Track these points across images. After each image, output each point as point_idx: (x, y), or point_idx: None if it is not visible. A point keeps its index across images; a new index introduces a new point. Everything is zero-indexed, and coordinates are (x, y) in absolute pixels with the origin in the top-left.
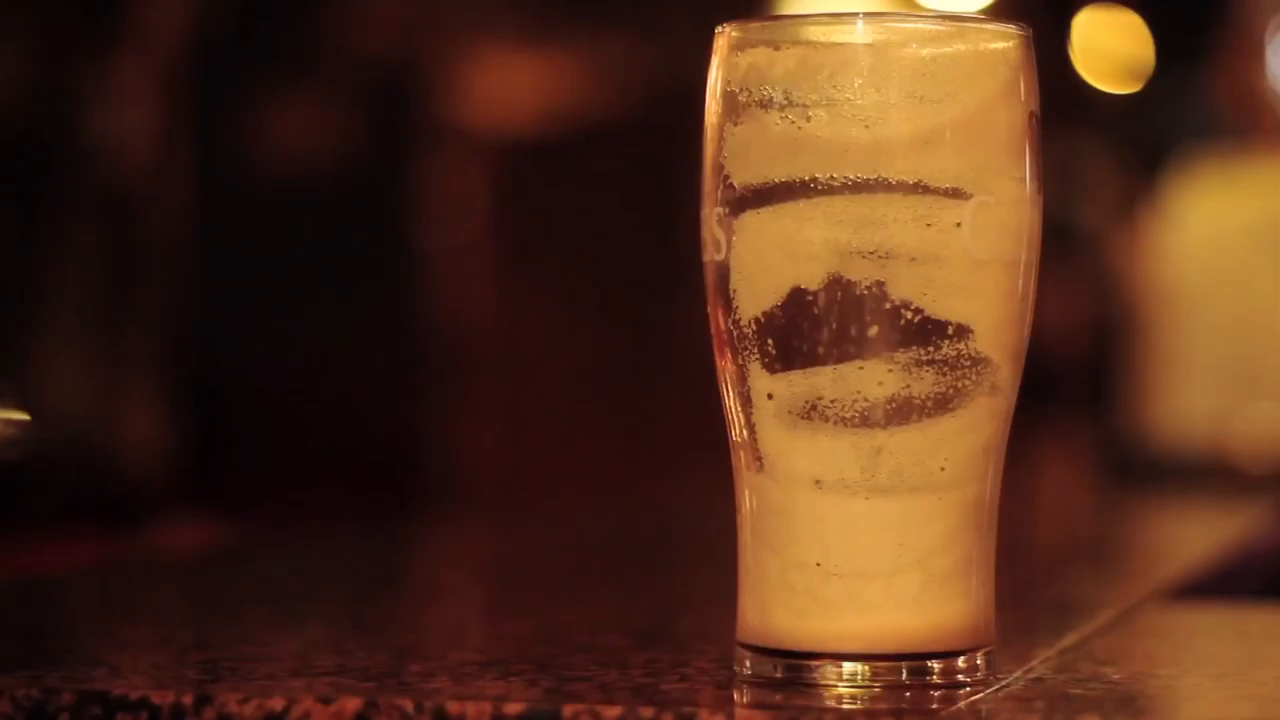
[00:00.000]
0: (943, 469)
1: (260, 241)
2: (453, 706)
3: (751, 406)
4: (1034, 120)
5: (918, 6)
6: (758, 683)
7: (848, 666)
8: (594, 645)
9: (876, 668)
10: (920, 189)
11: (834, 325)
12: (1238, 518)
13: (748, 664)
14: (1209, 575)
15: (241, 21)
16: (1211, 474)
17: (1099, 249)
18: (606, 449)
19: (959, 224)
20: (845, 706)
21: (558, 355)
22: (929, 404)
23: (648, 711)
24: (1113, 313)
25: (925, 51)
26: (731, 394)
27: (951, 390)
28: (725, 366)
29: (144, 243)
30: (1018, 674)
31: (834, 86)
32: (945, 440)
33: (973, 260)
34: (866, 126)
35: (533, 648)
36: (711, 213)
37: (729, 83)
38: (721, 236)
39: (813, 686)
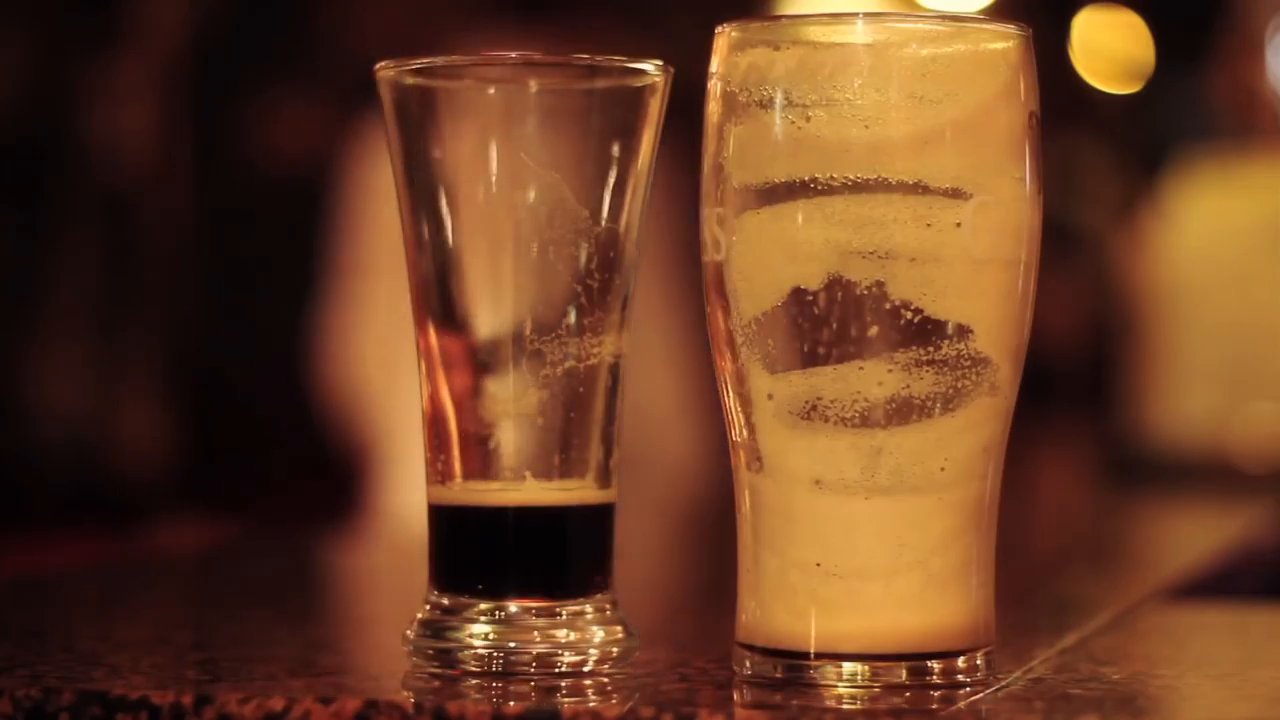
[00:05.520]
0: (943, 469)
1: (259, 241)
2: (452, 706)
3: (751, 406)
4: (1034, 120)
5: (918, 6)
6: (758, 683)
7: (848, 666)
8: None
9: (876, 668)
10: (920, 189)
11: (834, 325)
12: (1238, 518)
13: (748, 664)
14: (1209, 575)
15: (240, 21)
16: (1211, 474)
17: (1099, 249)
18: None
19: (959, 224)
20: (845, 706)
21: None
22: (929, 404)
23: (648, 711)
24: (1113, 313)
25: (925, 51)
26: (731, 394)
27: (951, 390)
28: (725, 366)
29: (144, 243)
30: (1018, 674)
31: (834, 86)
32: (945, 440)
33: (973, 260)
34: (866, 126)
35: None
36: (711, 213)
37: (729, 83)
38: (721, 236)
39: (813, 686)
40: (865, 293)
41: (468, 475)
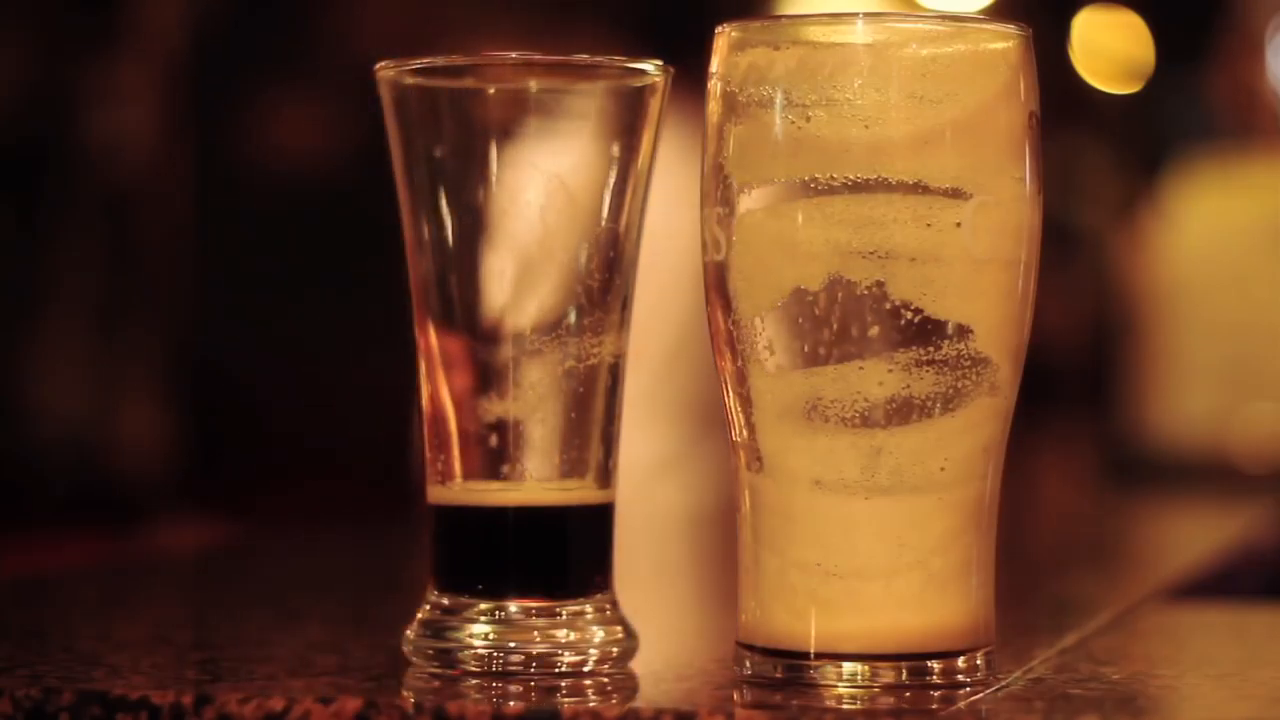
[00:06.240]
0: (943, 469)
1: (260, 241)
2: (452, 706)
3: (751, 406)
4: (1034, 120)
5: (918, 6)
6: (758, 683)
7: (848, 666)
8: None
9: (876, 668)
10: (920, 189)
11: (834, 325)
12: (1238, 518)
13: (748, 664)
14: (1209, 575)
15: (240, 21)
16: (1211, 474)
17: (1099, 249)
18: None
19: (959, 224)
20: (845, 706)
21: None
22: (929, 404)
23: (648, 711)
24: (1113, 313)
25: (925, 51)
26: (731, 394)
27: (951, 390)
28: (725, 366)
29: (144, 243)
30: (1018, 674)
31: (834, 86)
32: (945, 440)
33: (973, 260)
34: (866, 126)
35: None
36: (711, 213)
37: (729, 83)
38: (721, 236)
39: (813, 686)
40: (865, 293)
41: (468, 475)
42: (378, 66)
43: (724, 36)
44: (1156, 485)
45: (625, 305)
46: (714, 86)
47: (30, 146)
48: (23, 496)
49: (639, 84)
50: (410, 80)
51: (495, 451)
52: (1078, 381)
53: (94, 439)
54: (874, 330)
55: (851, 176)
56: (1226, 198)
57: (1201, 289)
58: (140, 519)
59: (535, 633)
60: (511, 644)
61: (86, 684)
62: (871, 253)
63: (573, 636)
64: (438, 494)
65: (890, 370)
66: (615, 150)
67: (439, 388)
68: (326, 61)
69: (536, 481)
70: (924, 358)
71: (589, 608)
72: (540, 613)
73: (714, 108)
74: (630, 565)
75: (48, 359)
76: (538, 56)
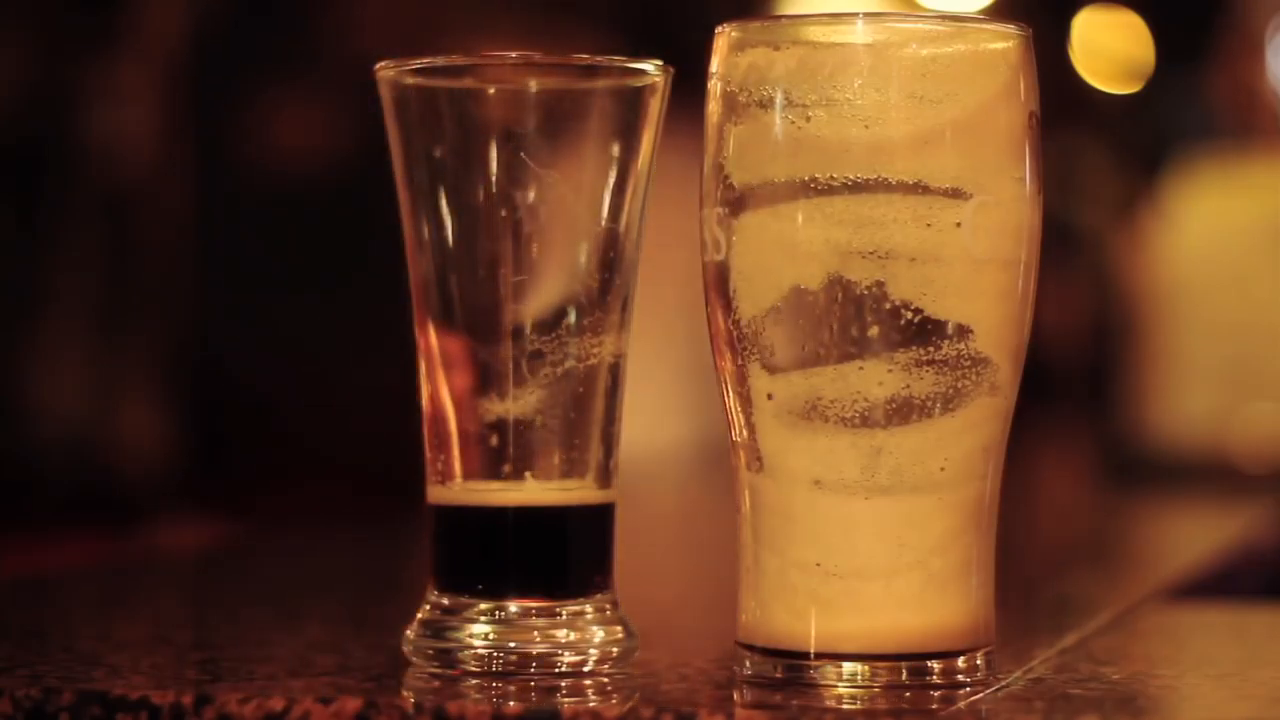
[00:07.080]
0: (943, 469)
1: (260, 241)
2: (452, 706)
3: (751, 406)
4: (1034, 120)
5: (918, 6)
6: (758, 683)
7: (848, 666)
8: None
9: (876, 668)
10: (920, 189)
11: (834, 325)
12: (1238, 518)
13: (748, 664)
14: (1209, 575)
15: (240, 21)
16: (1211, 474)
17: (1099, 249)
18: None
19: (959, 224)
20: (845, 706)
21: None
22: (929, 404)
23: (648, 711)
24: (1113, 313)
25: (925, 51)
26: (731, 394)
27: (951, 390)
28: (725, 366)
29: (144, 243)
30: (1018, 674)
31: (834, 86)
32: (945, 440)
33: (973, 260)
34: (866, 126)
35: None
36: (711, 213)
37: (729, 83)
38: (721, 236)
39: (813, 686)
40: (865, 293)
41: (468, 475)
42: (378, 66)
43: (724, 36)
44: (1156, 485)
45: (625, 305)
46: (714, 86)
47: (30, 146)
48: (23, 496)
49: (639, 84)
50: (410, 80)
51: (495, 451)
52: (1078, 381)
53: (94, 439)
54: (874, 330)
55: (851, 176)
56: (1226, 198)
57: (1201, 289)
58: (140, 519)
59: (535, 633)
60: (511, 644)
61: (86, 684)
62: (871, 253)
63: (573, 636)
64: (438, 494)
65: (890, 370)
66: (615, 150)
67: (439, 388)
68: (327, 61)
69: (536, 481)
70: (924, 358)
71: (589, 608)
72: (540, 613)
73: (714, 108)
74: (630, 565)
75: (48, 359)
76: (538, 56)
